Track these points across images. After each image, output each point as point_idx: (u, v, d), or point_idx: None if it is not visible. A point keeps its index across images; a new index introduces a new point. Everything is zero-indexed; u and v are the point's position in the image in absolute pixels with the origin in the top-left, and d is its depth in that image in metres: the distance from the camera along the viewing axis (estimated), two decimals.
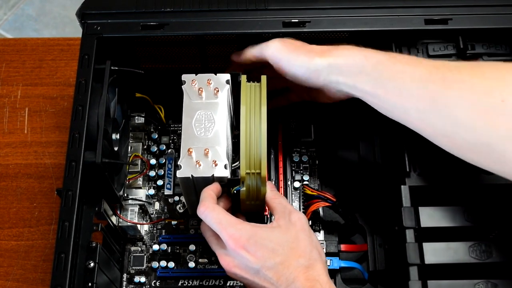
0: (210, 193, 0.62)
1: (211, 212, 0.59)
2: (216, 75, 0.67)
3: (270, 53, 0.65)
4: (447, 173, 0.62)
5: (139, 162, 0.79)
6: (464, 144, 0.56)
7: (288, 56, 0.64)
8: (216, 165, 0.63)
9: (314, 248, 0.60)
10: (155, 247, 0.74)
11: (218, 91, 0.66)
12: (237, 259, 0.59)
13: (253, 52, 0.67)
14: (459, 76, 0.56)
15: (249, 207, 0.66)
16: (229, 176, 0.63)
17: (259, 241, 0.58)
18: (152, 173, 0.78)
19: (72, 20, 1.71)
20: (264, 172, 0.62)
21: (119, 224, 0.72)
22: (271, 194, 0.64)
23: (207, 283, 0.73)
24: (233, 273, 0.60)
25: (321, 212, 0.75)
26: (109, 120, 0.68)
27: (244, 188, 0.62)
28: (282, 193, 0.76)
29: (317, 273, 0.58)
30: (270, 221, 0.74)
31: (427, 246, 0.60)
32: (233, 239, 0.58)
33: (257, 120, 0.63)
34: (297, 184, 0.77)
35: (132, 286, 0.73)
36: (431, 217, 0.61)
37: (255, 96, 0.65)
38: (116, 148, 0.71)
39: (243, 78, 0.66)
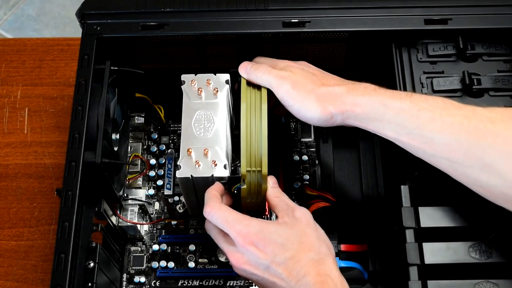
0: (214, 193, 0.62)
1: (217, 211, 0.59)
2: (215, 75, 0.67)
3: (280, 96, 0.64)
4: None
5: (139, 162, 0.79)
6: (502, 196, 0.55)
7: (299, 104, 0.63)
8: (215, 165, 0.63)
9: (323, 243, 0.60)
10: (155, 247, 0.74)
11: (217, 91, 0.66)
12: (247, 255, 0.59)
13: (262, 83, 0.65)
14: (493, 127, 0.55)
15: (250, 206, 0.66)
16: (228, 176, 0.63)
17: (267, 236, 0.58)
18: (152, 173, 0.78)
19: (72, 20, 1.70)
20: (265, 169, 0.62)
21: (119, 224, 0.72)
22: (273, 192, 0.64)
23: (207, 283, 0.73)
24: (243, 270, 0.59)
25: (321, 212, 0.74)
26: (109, 120, 0.68)
27: (245, 186, 0.62)
28: None
29: (328, 267, 0.57)
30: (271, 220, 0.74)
31: (427, 246, 0.60)
32: (242, 236, 0.58)
33: (258, 117, 0.63)
34: (297, 184, 0.77)
35: (132, 286, 0.73)
36: (431, 217, 0.61)
37: (255, 94, 0.65)
38: (116, 148, 0.71)
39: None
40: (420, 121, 0.58)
